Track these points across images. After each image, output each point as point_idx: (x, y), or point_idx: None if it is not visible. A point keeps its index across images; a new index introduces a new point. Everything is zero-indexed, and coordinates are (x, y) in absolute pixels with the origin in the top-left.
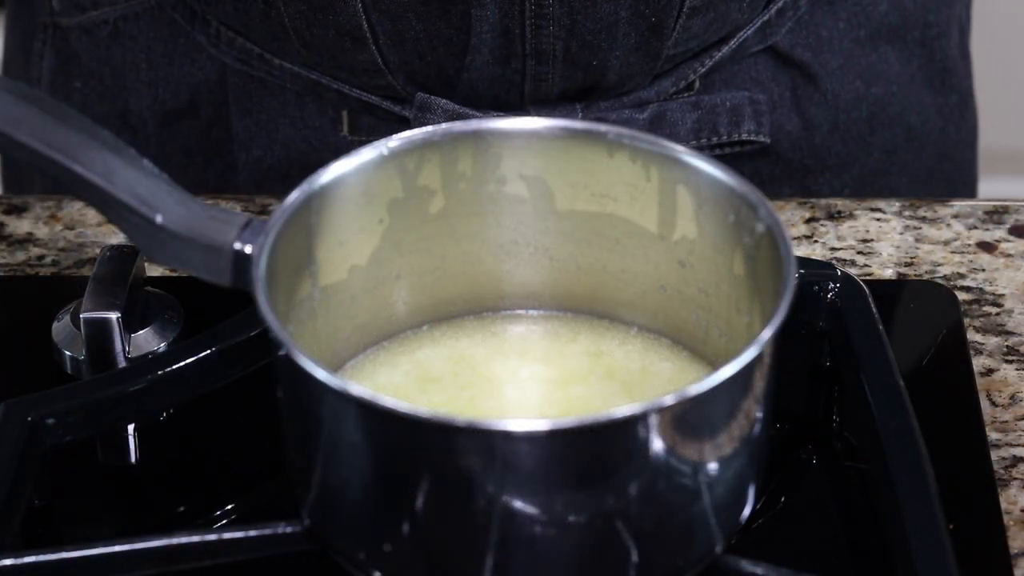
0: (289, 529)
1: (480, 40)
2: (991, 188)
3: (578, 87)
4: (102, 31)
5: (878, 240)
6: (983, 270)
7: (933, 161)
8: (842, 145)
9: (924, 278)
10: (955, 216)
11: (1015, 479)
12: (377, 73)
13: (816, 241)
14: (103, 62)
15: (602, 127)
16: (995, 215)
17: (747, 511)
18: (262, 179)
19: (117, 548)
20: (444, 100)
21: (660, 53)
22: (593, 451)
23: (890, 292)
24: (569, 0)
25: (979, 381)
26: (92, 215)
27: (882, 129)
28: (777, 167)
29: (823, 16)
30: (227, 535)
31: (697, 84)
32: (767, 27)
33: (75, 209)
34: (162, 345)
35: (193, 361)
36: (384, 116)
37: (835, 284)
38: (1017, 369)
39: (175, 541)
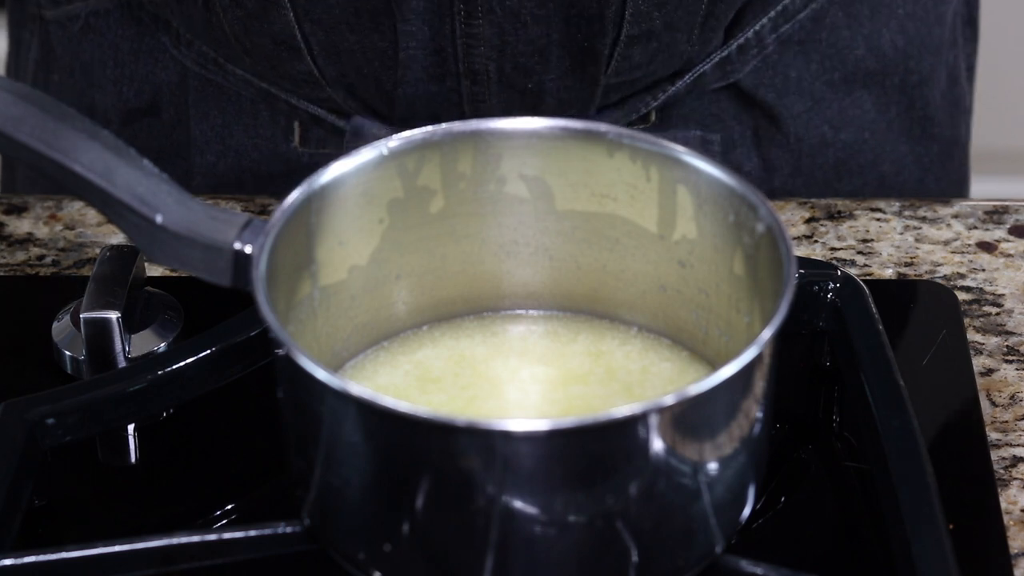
0: (289, 529)
1: (410, 56)
2: (990, 188)
3: (519, 110)
4: (75, 25)
5: (878, 240)
6: (983, 270)
7: None
8: (805, 190)
9: (924, 278)
10: (955, 216)
11: (1015, 479)
12: (316, 85)
13: (816, 241)
14: (74, 57)
15: (602, 127)
16: (995, 215)
17: (747, 511)
18: (216, 184)
19: (117, 548)
20: (378, 125)
21: (598, 79)
22: (593, 451)
23: (890, 292)
24: (499, 21)
25: (979, 381)
26: (92, 215)
27: (850, 176)
28: None
29: (793, 57)
30: (227, 535)
31: (653, 117)
32: (727, 64)
33: (75, 209)
34: (162, 345)
35: (193, 361)
36: (332, 130)
37: (835, 284)
38: (1017, 369)
39: (175, 541)
